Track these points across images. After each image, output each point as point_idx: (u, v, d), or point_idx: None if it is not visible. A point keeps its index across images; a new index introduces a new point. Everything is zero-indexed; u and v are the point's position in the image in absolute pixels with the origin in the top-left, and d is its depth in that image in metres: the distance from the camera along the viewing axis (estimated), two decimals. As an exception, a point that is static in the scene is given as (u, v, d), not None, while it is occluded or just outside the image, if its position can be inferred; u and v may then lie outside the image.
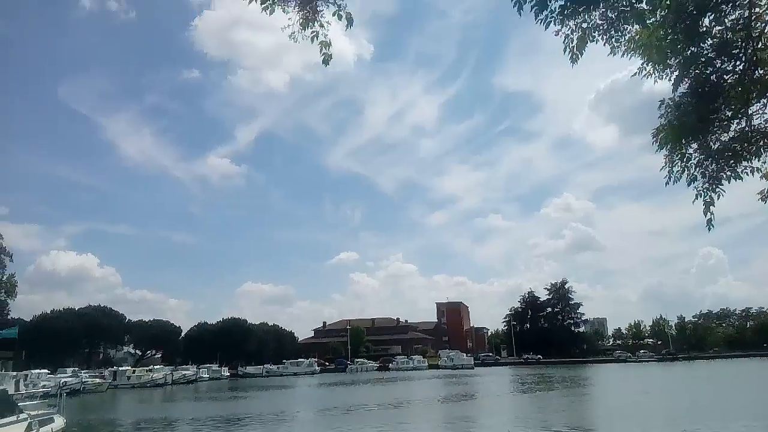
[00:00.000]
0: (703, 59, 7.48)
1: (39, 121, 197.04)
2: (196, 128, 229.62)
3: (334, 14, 6.38)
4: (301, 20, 6.38)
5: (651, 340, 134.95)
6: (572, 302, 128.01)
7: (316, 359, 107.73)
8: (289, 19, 6.35)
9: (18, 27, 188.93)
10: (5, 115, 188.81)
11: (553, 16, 6.42)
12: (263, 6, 6.12)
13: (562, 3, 6.32)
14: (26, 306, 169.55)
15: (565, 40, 6.71)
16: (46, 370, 62.63)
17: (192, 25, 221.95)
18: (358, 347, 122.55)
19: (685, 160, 8.21)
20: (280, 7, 6.24)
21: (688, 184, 8.20)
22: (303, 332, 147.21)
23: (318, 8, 6.34)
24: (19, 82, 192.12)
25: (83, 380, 63.23)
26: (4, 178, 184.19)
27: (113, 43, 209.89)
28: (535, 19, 6.32)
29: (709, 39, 7.26)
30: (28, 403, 21.76)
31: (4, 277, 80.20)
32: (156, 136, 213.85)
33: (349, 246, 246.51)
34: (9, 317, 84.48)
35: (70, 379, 61.49)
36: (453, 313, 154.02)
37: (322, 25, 6.46)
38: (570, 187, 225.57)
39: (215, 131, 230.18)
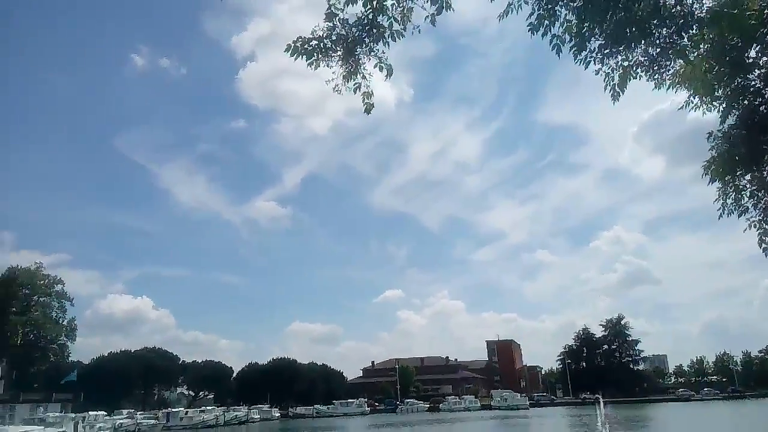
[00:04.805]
0: (751, 90, 7.34)
1: (98, 172, 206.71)
2: (245, 173, 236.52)
3: (375, 66, 6.60)
4: (344, 73, 6.63)
5: (715, 377, 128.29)
6: (630, 338, 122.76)
7: (365, 399, 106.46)
8: (332, 72, 6.60)
9: (75, 83, 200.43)
10: (67, 167, 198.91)
11: (592, 56, 6.45)
12: (308, 62, 6.40)
13: (601, 42, 6.35)
14: (85, 349, 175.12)
15: (605, 78, 6.71)
16: (103, 412, 64.01)
17: (237, 77, 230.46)
18: (408, 387, 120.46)
19: (738, 191, 8.00)
20: (324, 62, 6.51)
21: (739, 216, 7.96)
22: (351, 371, 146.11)
23: (360, 61, 6.58)
24: (78, 136, 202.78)
25: (138, 422, 64.24)
26: (66, 227, 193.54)
27: (166, 97, 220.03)
28: (575, 60, 6.36)
29: (757, 70, 7.14)
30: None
31: (65, 322, 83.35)
32: (208, 182, 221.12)
33: (395, 284, 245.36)
34: (69, 360, 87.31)
35: (125, 420, 62.63)
36: (504, 351, 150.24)
37: (364, 77, 6.69)
38: (620, 220, 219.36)
39: (263, 175, 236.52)
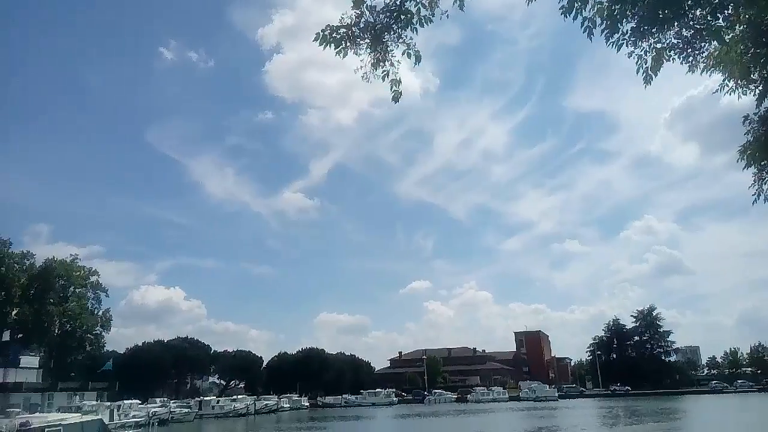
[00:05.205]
0: (789, 71, 7.13)
1: (130, 165, 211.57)
2: (273, 165, 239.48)
3: (403, 53, 6.59)
4: (372, 61, 6.63)
5: (750, 368, 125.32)
6: (661, 330, 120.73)
7: (393, 390, 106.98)
8: (361, 60, 6.62)
9: (106, 78, 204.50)
10: (99, 160, 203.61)
11: (625, 38, 6.33)
12: (336, 51, 6.42)
13: (634, 25, 6.22)
14: (120, 338, 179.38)
15: (638, 61, 6.58)
16: (137, 401, 65.58)
17: (264, 70, 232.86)
18: (435, 377, 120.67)
19: (775, 176, 7.82)
20: (352, 50, 6.52)
21: (777, 202, 7.78)
22: (378, 362, 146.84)
23: (388, 48, 6.57)
24: (110, 130, 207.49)
25: (171, 410, 65.65)
26: (101, 220, 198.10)
27: (195, 90, 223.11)
28: (607, 42, 6.26)
29: (795, 51, 6.92)
30: None
31: (100, 312, 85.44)
32: (236, 174, 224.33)
33: (422, 274, 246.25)
34: (104, 349, 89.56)
35: (159, 409, 64.01)
36: (532, 342, 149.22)
37: (392, 64, 6.69)
38: (651, 209, 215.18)
39: (290, 167, 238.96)
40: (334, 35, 6.37)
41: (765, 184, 7.98)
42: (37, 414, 36.60)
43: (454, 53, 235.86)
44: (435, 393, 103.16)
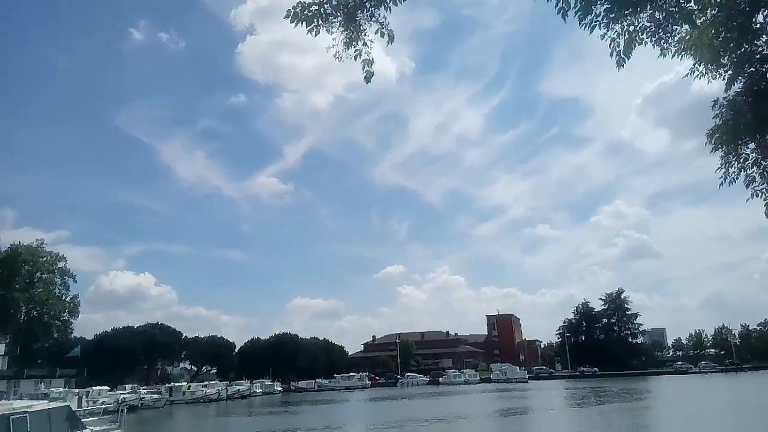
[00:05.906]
0: (758, 56, 7.23)
1: (98, 149, 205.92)
2: (246, 149, 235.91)
3: (376, 32, 6.47)
4: (345, 40, 6.51)
5: (713, 350, 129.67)
6: (629, 312, 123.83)
7: (366, 373, 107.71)
8: (333, 39, 6.49)
9: (74, 59, 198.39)
10: (67, 144, 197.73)
11: (598, 20, 6.33)
12: (308, 29, 6.27)
13: (607, 6, 6.22)
14: (88, 325, 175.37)
15: (611, 44, 6.58)
16: (106, 387, 64.72)
17: (237, 51, 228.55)
18: (408, 361, 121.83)
19: (741, 160, 7.95)
20: (324, 28, 6.37)
21: (747, 186, 7.92)
22: (352, 346, 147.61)
23: (361, 27, 6.45)
24: (77, 112, 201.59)
25: (141, 396, 64.97)
26: (68, 204, 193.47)
27: (165, 72, 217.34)
28: (580, 24, 6.24)
29: (764, 35, 7.02)
30: (90, 419, 22.53)
31: (68, 298, 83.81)
32: (208, 158, 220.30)
33: (396, 259, 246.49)
34: (72, 336, 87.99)
35: (129, 395, 63.16)
36: (504, 325, 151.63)
37: (365, 44, 6.57)
38: (621, 194, 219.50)
39: (264, 151, 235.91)
40: (305, 12, 6.20)
41: (731, 167, 8.11)
42: (2, 401, 35.90)
43: (431, 37, 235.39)
44: (408, 376, 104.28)
